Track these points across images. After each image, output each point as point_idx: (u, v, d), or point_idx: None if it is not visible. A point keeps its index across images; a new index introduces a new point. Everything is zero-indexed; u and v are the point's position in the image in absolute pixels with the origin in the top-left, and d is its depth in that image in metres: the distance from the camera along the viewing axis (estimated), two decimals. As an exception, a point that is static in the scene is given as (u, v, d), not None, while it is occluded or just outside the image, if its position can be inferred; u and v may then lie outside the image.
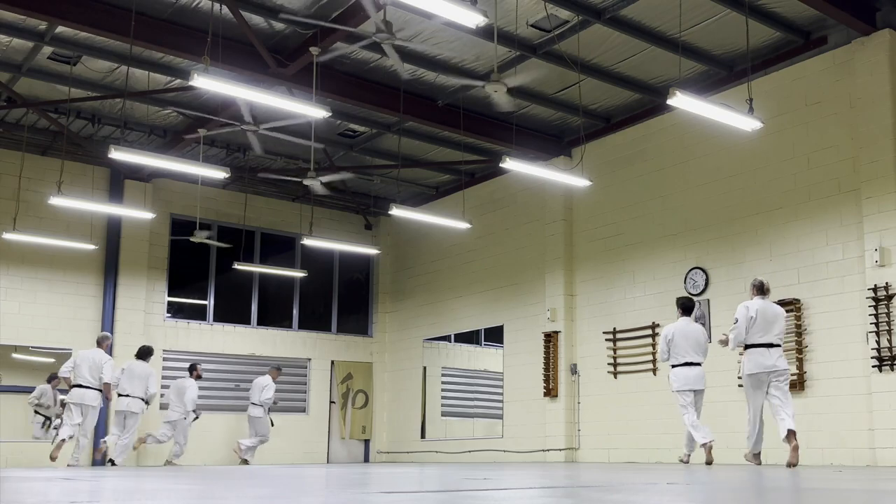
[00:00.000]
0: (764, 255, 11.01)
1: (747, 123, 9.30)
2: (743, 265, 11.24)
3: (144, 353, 13.03)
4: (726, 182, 11.57)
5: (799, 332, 10.43)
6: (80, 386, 11.94)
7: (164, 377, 14.79)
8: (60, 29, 10.48)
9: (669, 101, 8.68)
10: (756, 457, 8.86)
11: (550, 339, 13.62)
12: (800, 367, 10.35)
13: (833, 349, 10.14)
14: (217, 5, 9.83)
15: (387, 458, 17.14)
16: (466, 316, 15.81)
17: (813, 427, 10.17)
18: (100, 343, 12.43)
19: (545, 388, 13.60)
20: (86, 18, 9.83)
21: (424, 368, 16.92)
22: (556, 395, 13.43)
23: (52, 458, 11.60)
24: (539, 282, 14.14)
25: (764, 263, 10.98)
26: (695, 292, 11.76)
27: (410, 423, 16.90)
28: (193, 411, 13.94)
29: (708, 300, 11.56)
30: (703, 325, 10.93)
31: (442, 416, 16.99)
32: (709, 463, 9.35)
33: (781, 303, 10.59)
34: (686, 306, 9.86)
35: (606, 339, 12.94)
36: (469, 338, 16.67)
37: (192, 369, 14.27)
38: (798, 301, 10.50)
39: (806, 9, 9.95)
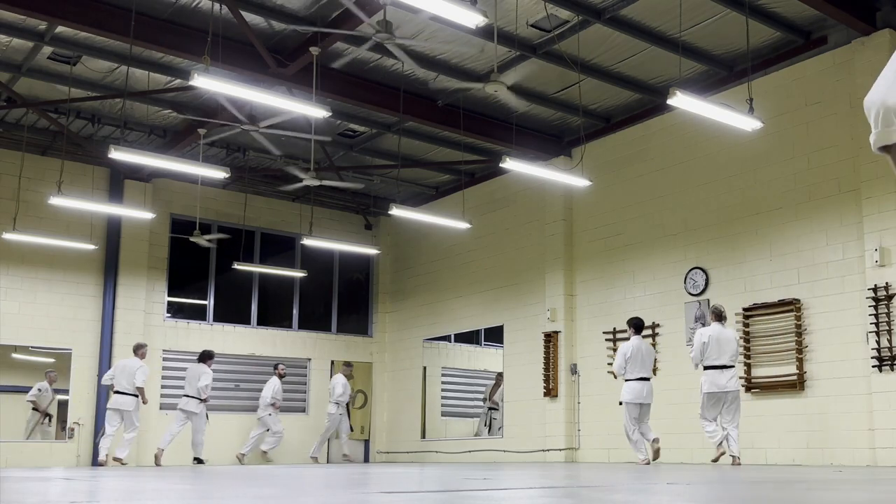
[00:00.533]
0: (764, 255, 11.00)
1: (747, 123, 9.30)
2: (743, 265, 11.24)
3: (204, 357, 13.81)
4: (726, 182, 11.57)
5: (799, 332, 10.43)
6: (119, 392, 12.72)
7: (163, 377, 14.81)
8: (60, 29, 10.47)
9: (669, 101, 8.69)
10: (720, 447, 9.73)
11: (550, 339, 13.62)
12: (800, 367, 10.35)
13: (833, 349, 10.14)
14: (217, 5, 9.83)
15: (386, 458, 17.14)
16: (466, 316, 15.80)
17: (813, 427, 10.18)
18: (135, 351, 13.07)
19: (545, 388, 13.60)
20: (86, 18, 9.82)
21: (424, 368, 16.91)
22: (556, 395, 13.43)
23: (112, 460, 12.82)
24: (539, 282, 14.13)
25: (764, 263, 10.98)
26: (695, 292, 11.76)
27: (410, 423, 16.89)
28: (272, 405, 14.92)
29: (708, 300, 11.56)
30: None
31: (442, 416, 16.99)
32: (655, 458, 10.51)
33: (781, 303, 10.64)
34: (638, 326, 10.85)
35: (606, 339, 12.94)
36: (469, 338, 16.67)
37: (275, 367, 15.32)
38: (798, 301, 10.50)
39: (806, 9, 9.95)
